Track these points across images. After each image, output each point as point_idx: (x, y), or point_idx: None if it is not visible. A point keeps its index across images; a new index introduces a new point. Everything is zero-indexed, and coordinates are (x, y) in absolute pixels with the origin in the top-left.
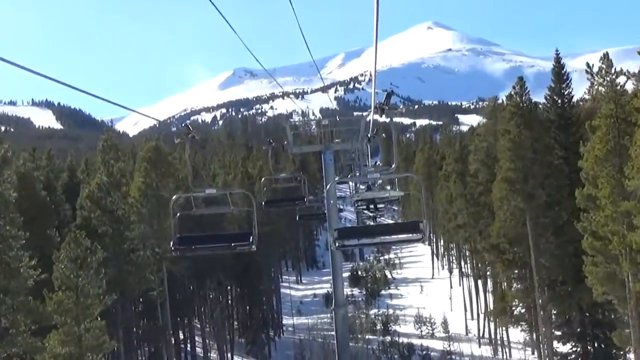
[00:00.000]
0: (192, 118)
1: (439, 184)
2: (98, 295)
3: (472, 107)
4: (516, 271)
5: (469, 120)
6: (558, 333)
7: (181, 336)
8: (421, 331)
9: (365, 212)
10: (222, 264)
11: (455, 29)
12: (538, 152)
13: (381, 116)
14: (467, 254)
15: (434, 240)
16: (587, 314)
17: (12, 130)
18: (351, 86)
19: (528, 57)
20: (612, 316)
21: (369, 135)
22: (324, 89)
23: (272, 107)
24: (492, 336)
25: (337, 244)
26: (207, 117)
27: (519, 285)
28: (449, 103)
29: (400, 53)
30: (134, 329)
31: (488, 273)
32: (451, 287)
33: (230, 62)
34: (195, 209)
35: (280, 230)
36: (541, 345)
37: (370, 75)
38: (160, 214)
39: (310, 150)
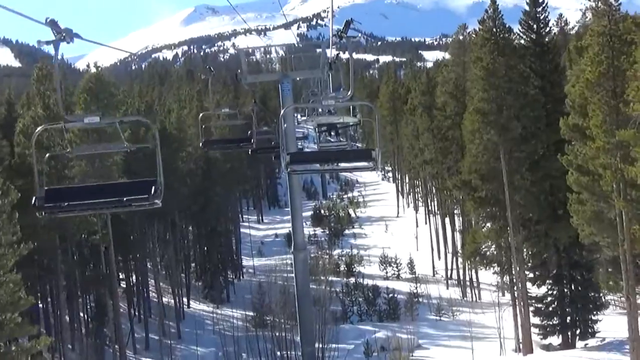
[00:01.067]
0: (153, 56)
1: (404, 118)
2: (12, 244)
3: (435, 43)
4: (488, 209)
5: (433, 57)
6: (532, 275)
7: (134, 280)
8: (386, 272)
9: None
10: (177, 204)
11: None
12: (513, 81)
13: (340, 40)
14: (434, 191)
15: (399, 177)
16: (564, 255)
17: None
18: (314, 22)
19: None
20: (591, 257)
21: (329, 63)
22: (287, 26)
23: (234, 45)
24: (461, 277)
25: (289, 169)
26: (169, 55)
27: (491, 225)
28: (412, 39)
29: None
30: (82, 275)
31: (456, 211)
32: (417, 226)
33: None
34: (72, 148)
35: (240, 168)
36: (515, 288)
37: (334, 11)
38: None
39: (266, 79)
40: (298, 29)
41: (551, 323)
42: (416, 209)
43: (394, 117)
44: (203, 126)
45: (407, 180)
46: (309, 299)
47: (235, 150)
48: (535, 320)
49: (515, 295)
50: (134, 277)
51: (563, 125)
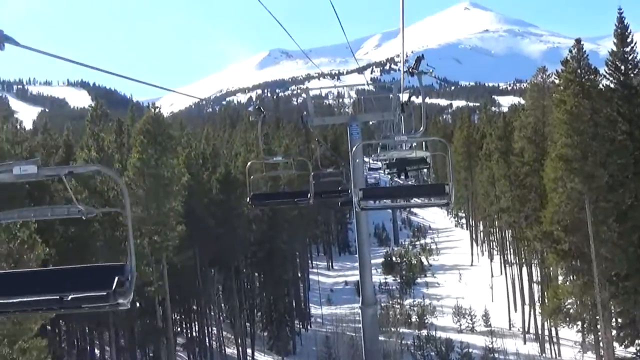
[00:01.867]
0: (227, 99)
1: (479, 163)
2: None
3: (509, 88)
4: (572, 263)
5: (507, 102)
6: (619, 334)
7: (196, 329)
8: (460, 325)
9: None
10: (242, 250)
11: (492, 9)
12: (598, 126)
13: (411, 76)
14: (510, 239)
15: (473, 224)
16: None
17: (47, 110)
18: (387, 67)
19: (566, 38)
20: None
21: (402, 104)
22: (360, 70)
23: (307, 89)
24: (539, 332)
25: (361, 205)
26: (243, 98)
27: (575, 279)
28: (486, 84)
29: (436, 34)
30: (142, 326)
31: (534, 261)
32: (492, 276)
33: (268, 42)
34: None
35: (308, 214)
36: (600, 348)
37: (407, 56)
38: (159, 196)
39: (334, 122)
40: (371, 73)
41: None
42: (491, 257)
43: (468, 162)
44: (251, 177)
45: (481, 228)
46: (378, 355)
47: (291, 206)
48: None
49: (601, 355)
50: (195, 326)
51: None
